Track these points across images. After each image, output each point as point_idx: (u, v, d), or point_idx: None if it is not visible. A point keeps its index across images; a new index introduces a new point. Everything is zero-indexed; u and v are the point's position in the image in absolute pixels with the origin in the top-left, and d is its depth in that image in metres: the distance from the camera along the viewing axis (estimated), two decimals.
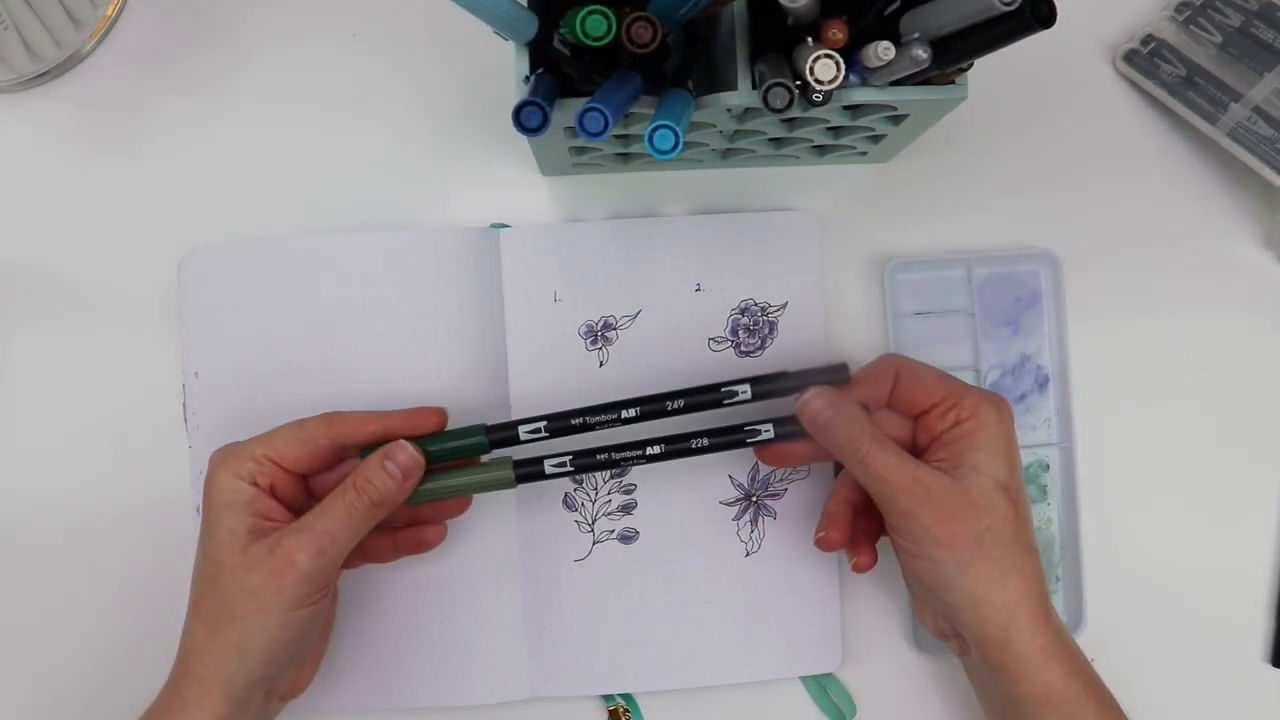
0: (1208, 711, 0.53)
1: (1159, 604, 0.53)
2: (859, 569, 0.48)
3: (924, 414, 0.46)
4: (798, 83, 0.38)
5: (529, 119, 0.37)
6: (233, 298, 0.52)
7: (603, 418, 0.46)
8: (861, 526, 0.48)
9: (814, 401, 0.45)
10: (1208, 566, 0.53)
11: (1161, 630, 0.53)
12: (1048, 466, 0.53)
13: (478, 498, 0.51)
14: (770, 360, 0.53)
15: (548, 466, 0.46)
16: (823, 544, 0.47)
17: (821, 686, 0.53)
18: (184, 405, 0.52)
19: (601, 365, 0.52)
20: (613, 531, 0.52)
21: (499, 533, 0.52)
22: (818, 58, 0.37)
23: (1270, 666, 0.53)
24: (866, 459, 0.43)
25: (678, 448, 0.46)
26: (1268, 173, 0.51)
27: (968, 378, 0.53)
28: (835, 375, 0.46)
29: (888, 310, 0.53)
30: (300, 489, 0.46)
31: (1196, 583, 0.54)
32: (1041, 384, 0.53)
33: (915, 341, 0.53)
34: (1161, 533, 0.54)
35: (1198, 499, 0.54)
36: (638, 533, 0.52)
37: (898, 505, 0.43)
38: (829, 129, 0.47)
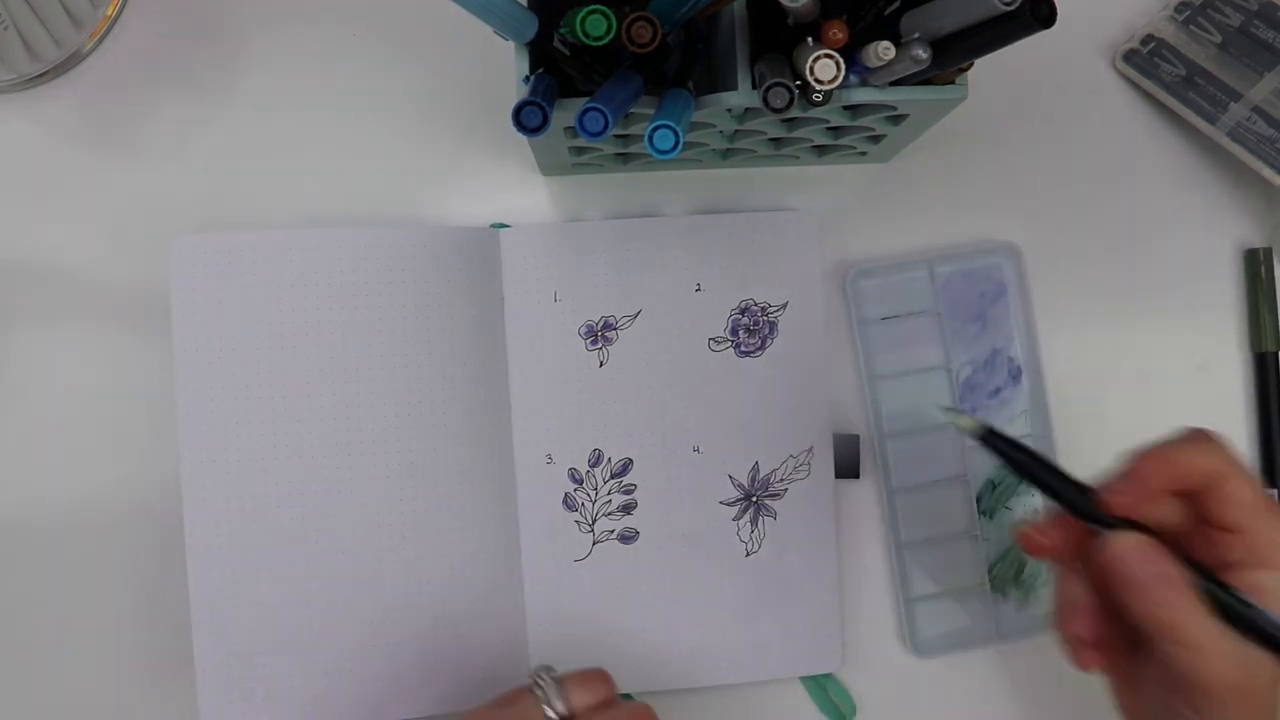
0: None
1: None
2: (1082, 666, 0.40)
3: (1214, 519, 0.38)
4: (798, 83, 0.38)
5: (529, 119, 0.37)
6: (226, 293, 0.51)
7: None
8: (1109, 631, 0.40)
9: (1127, 555, 0.37)
10: None
11: None
12: None
13: (475, 494, 0.51)
14: (770, 360, 0.52)
15: None
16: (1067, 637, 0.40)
17: (821, 686, 0.53)
18: (179, 401, 0.52)
19: (601, 365, 0.52)
20: (613, 531, 0.52)
21: (499, 533, 0.52)
22: (818, 58, 0.37)
23: None
24: (1181, 635, 0.36)
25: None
26: (1268, 172, 0.51)
27: (939, 378, 0.53)
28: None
29: (851, 318, 0.53)
30: None
31: None
32: (1014, 376, 0.54)
33: (882, 347, 0.53)
34: None
35: None
36: (638, 533, 0.52)
37: (1205, 689, 0.36)
38: (829, 129, 0.47)
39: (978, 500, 0.53)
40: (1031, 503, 0.53)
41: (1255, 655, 0.36)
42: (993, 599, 0.53)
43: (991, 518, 0.53)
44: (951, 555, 0.53)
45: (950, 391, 0.53)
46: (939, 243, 0.54)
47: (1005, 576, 0.53)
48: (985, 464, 0.53)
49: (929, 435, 0.53)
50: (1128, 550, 0.37)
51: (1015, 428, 0.53)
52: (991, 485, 0.53)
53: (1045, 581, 0.53)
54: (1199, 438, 0.39)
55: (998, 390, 0.53)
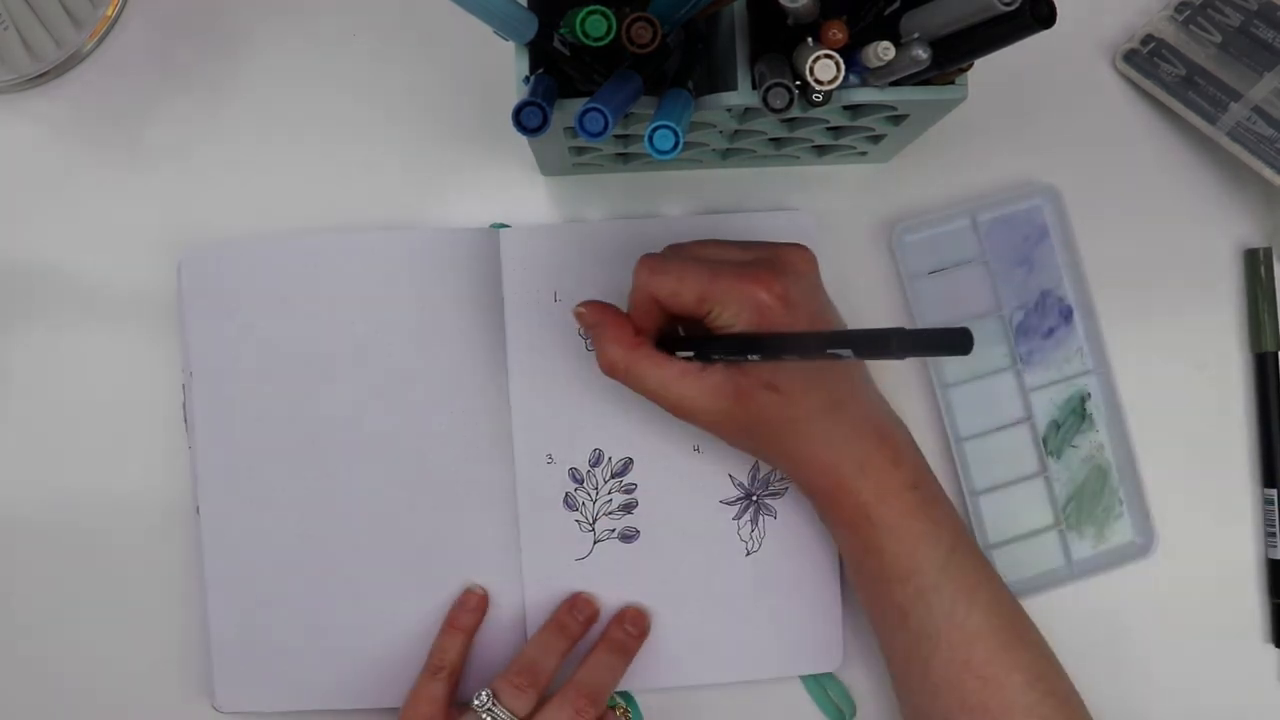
0: None
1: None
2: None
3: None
4: (798, 83, 0.38)
5: (529, 119, 0.36)
6: (233, 297, 0.52)
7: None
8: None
9: (581, 317, 0.47)
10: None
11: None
12: (1089, 395, 0.54)
13: (475, 494, 0.51)
14: None
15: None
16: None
17: (821, 686, 0.53)
18: (184, 406, 0.52)
19: None
20: (613, 530, 0.52)
21: (500, 532, 0.52)
22: (818, 58, 0.37)
23: None
24: (631, 370, 0.45)
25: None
26: (1268, 172, 0.51)
27: (992, 324, 0.54)
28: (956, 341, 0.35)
29: (901, 274, 0.53)
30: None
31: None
32: (1065, 315, 0.54)
33: (933, 300, 0.54)
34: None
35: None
36: (638, 532, 0.52)
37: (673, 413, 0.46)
38: (829, 129, 0.47)
39: (1044, 442, 0.53)
40: (1096, 438, 0.54)
41: (710, 376, 0.44)
42: (1068, 538, 0.53)
43: (1059, 457, 0.53)
44: (1023, 498, 0.53)
45: (1006, 337, 0.53)
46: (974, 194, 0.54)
47: (1079, 514, 0.53)
48: (1048, 405, 0.54)
49: (990, 381, 0.53)
50: (585, 314, 0.47)
51: (1073, 365, 0.54)
52: (1055, 426, 0.54)
53: (1120, 500, 0.53)
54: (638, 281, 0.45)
55: (1051, 331, 0.54)
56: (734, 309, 0.43)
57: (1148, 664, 0.53)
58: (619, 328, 0.46)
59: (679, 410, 0.45)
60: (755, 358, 0.42)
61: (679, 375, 0.44)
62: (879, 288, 0.54)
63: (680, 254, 0.47)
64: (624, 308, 0.47)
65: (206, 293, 0.52)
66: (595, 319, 0.46)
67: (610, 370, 0.46)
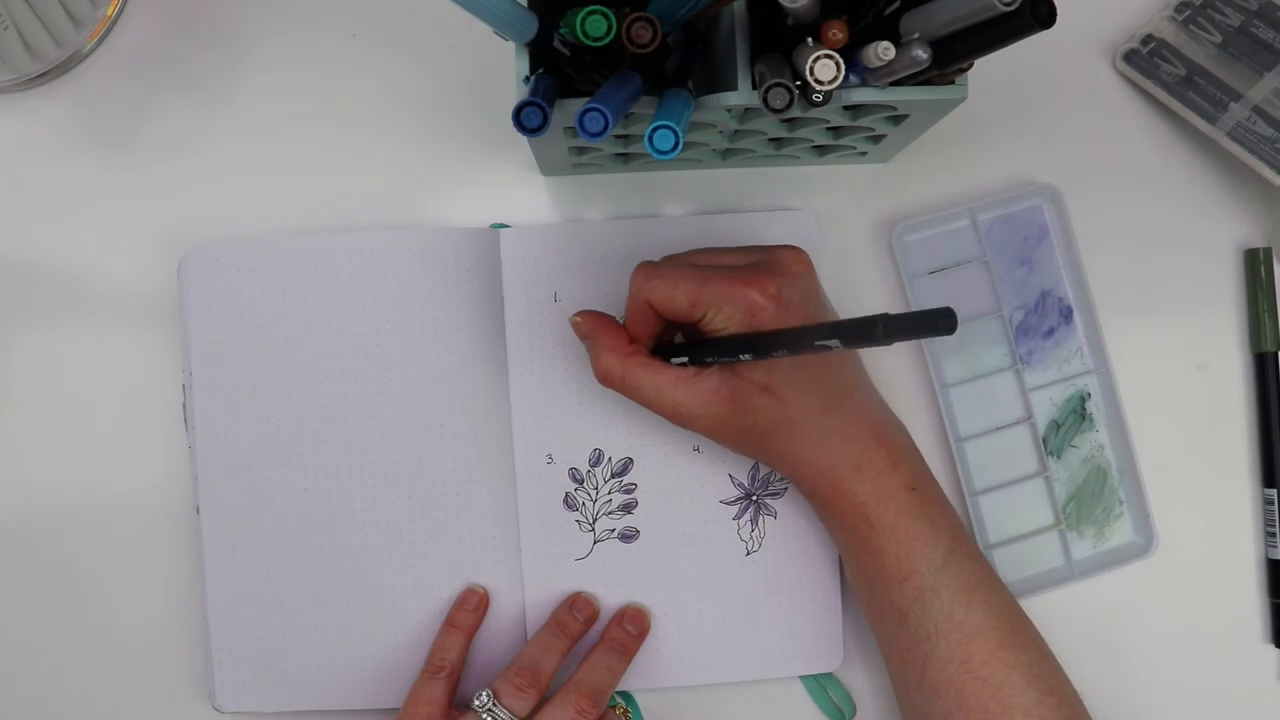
0: None
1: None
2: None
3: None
4: (798, 83, 0.38)
5: (529, 119, 0.36)
6: (233, 297, 0.52)
7: None
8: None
9: (576, 327, 0.47)
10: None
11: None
12: (1089, 395, 0.54)
13: (475, 494, 0.51)
14: None
15: None
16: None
17: (821, 686, 0.53)
18: (184, 406, 0.52)
19: None
20: (613, 530, 0.52)
21: (500, 532, 0.52)
22: (818, 58, 0.37)
23: None
24: (626, 378, 0.45)
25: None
26: (1267, 172, 0.51)
27: (992, 324, 0.54)
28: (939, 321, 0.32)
29: (902, 274, 0.53)
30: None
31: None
32: (1065, 315, 0.54)
33: (934, 300, 0.53)
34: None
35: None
36: (638, 532, 0.52)
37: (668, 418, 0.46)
38: (829, 129, 0.47)
39: (1044, 442, 0.53)
40: (1096, 438, 0.54)
41: (705, 381, 0.44)
42: (1068, 538, 0.53)
43: (1059, 457, 0.53)
44: (1023, 498, 0.53)
45: (1006, 337, 0.53)
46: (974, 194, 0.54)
47: (1079, 514, 0.53)
48: (1048, 405, 0.54)
49: (990, 381, 0.54)
50: (579, 325, 0.47)
51: (1073, 365, 0.54)
52: (1055, 426, 0.54)
53: (1120, 500, 0.53)
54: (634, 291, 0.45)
55: (1051, 331, 0.54)
56: (727, 311, 0.43)
57: (1148, 664, 0.53)
58: (614, 336, 0.46)
59: (675, 417, 0.45)
60: (747, 357, 0.42)
61: (673, 381, 0.44)
62: (879, 288, 0.54)
63: (675, 260, 0.46)
64: (621, 314, 0.47)
65: (206, 293, 0.52)
66: (590, 328, 0.46)
67: (605, 379, 0.46)
